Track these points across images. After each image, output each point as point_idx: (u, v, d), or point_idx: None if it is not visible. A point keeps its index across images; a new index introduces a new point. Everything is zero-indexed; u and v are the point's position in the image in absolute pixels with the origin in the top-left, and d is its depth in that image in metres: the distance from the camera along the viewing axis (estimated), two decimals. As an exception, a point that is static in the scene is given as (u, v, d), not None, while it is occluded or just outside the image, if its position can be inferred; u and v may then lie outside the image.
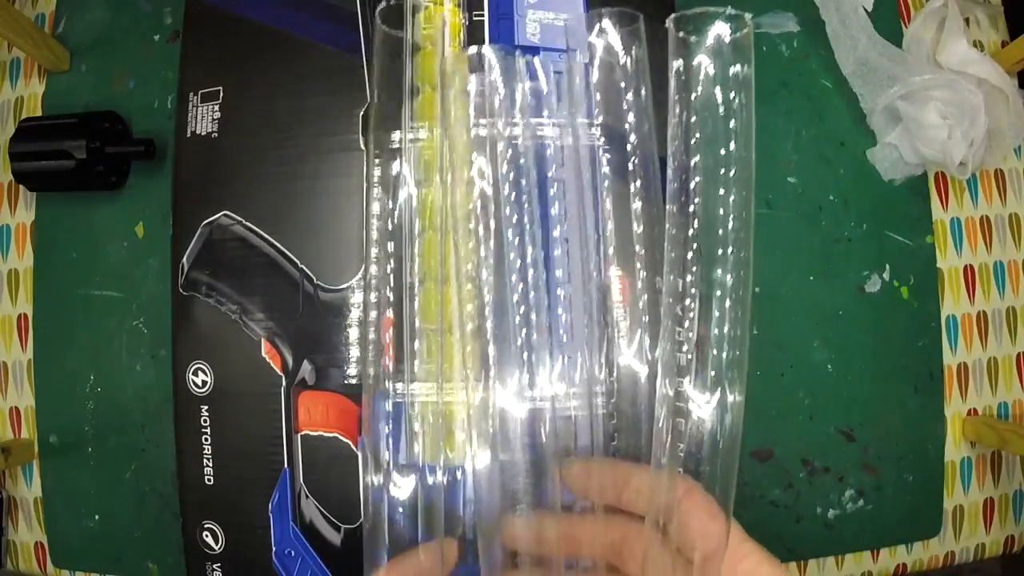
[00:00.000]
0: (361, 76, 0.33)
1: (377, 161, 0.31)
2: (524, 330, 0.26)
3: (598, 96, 0.30)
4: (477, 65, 0.28)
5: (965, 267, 0.44)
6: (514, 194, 0.27)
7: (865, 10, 0.43)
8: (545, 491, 0.26)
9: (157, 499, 0.41)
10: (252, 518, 0.33)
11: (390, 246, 0.30)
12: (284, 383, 0.33)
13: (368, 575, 0.26)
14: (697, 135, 0.23)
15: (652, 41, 0.28)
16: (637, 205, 0.29)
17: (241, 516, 0.33)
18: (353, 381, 0.32)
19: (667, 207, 0.24)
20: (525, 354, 0.26)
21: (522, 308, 0.26)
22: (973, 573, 0.46)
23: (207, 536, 0.33)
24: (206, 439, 0.33)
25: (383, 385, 0.29)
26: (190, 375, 0.34)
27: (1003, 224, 0.45)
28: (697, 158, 0.23)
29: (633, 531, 0.24)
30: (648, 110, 0.29)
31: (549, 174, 0.31)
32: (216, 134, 0.35)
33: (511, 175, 0.27)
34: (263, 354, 0.33)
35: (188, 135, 0.35)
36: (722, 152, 0.23)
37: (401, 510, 0.27)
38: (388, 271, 0.30)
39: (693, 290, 0.23)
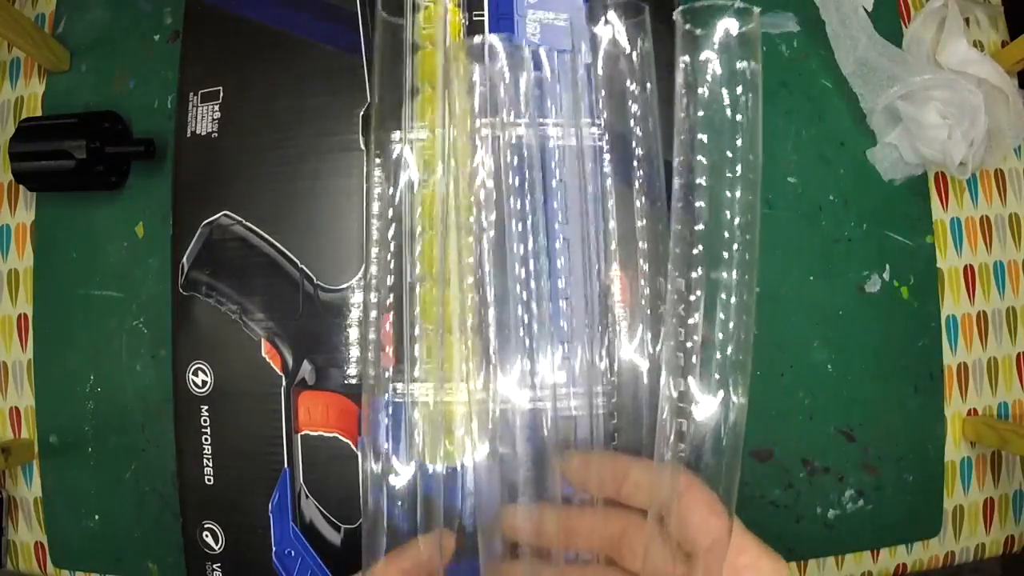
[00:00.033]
0: (361, 76, 0.33)
1: (377, 161, 0.31)
2: (526, 319, 0.26)
3: (603, 92, 0.30)
4: (480, 55, 0.27)
5: (965, 267, 0.45)
6: (516, 185, 0.27)
7: (865, 10, 0.43)
8: (545, 484, 0.26)
9: (157, 499, 0.41)
10: (252, 518, 0.33)
11: (390, 246, 0.30)
12: (284, 383, 0.33)
13: (367, 567, 0.26)
14: (703, 133, 0.23)
15: (655, 36, 0.28)
16: (640, 201, 0.29)
17: (241, 516, 0.33)
18: (353, 381, 0.32)
19: (672, 204, 0.24)
20: (527, 342, 0.26)
21: (524, 296, 0.26)
22: (973, 573, 0.46)
23: (207, 536, 0.33)
24: (206, 439, 0.33)
25: (383, 385, 0.29)
26: (190, 375, 0.34)
27: (1003, 224, 0.45)
28: (703, 155, 0.23)
29: (632, 525, 0.24)
30: (653, 105, 0.29)
31: (553, 166, 0.31)
32: (216, 134, 0.35)
33: (514, 163, 0.27)
34: (263, 354, 0.33)
35: (188, 135, 0.35)
36: (728, 154, 0.22)
37: (400, 503, 0.27)
38: (388, 271, 0.30)
39: (698, 290, 0.23)
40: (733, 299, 0.22)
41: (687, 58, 0.23)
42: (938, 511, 0.43)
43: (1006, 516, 0.44)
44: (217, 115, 0.35)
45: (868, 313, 0.43)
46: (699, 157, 0.23)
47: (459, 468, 0.30)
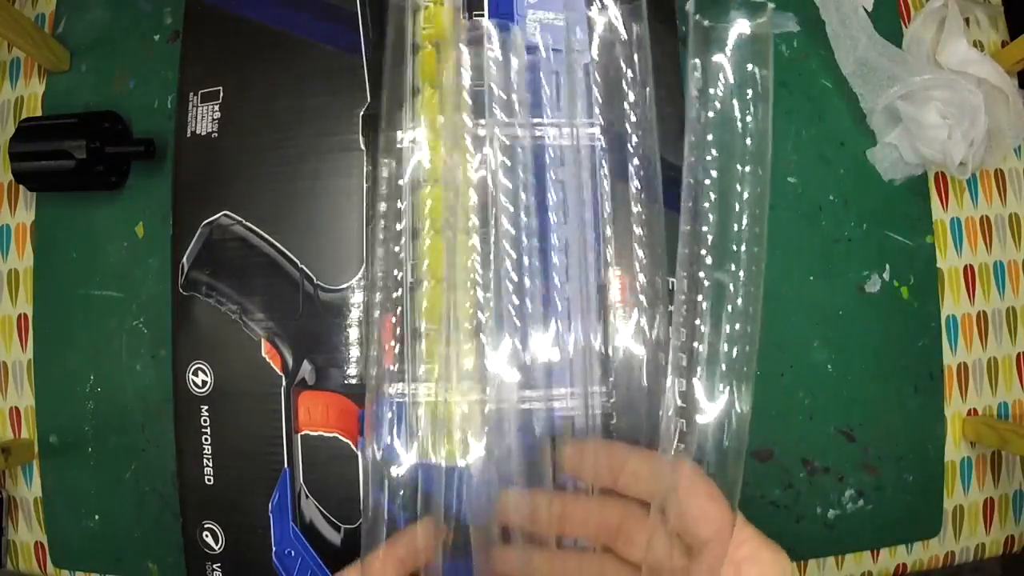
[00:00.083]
0: (361, 76, 0.33)
1: (378, 161, 0.31)
2: (523, 299, 0.26)
3: (598, 78, 0.30)
4: (476, 38, 0.28)
5: (965, 267, 0.44)
6: (515, 185, 0.27)
7: (865, 10, 0.43)
8: (538, 472, 0.26)
9: (157, 499, 0.41)
10: (252, 518, 0.33)
11: (391, 246, 0.30)
12: (284, 383, 0.33)
13: (365, 556, 0.26)
14: (712, 133, 0.23)
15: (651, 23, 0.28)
16: (635, 185, 0.29)
17: (241, 516, 0.33)
18: (353, 381, 0.32)
19: (681, 204, 0.24)
20: (518, 323, 0.26)
21: (522, 295, 0.26)
22: (973, 573, 0.46)
23: (207, 536, 0.33)
24: (206, 439, 0.33)
25: (384, 385, 0.29)
26: (190, 375, 0.34)
27: (1003, 224, 0.45)
28: (713, 153, 0.23)
29: (631, 515, 0.24)
30: (650, 102, 0.29)
31: (548, 167, 0.31)
32: (216, 134, 0.35)
33: (513, 163, 0.27)
34: (263, 354, 0.33)
35: (188, 135, 0.35)
36: (738, 166, 0.23)
37: (400, 500, 0.28)
38: (388, 271, 0.30)
39: (704, 288, 0.23)
40: (740, 296, 0.23)
41: (698, 61, 0.23)
42: (938, 511, 0.43)
43: (1006, 516, 0.44)
44: (217, 115, 0.35)
45: (868, 313, 0.43)
46: (708, 159, 0.23)
47: (459, 466, 0.30)
